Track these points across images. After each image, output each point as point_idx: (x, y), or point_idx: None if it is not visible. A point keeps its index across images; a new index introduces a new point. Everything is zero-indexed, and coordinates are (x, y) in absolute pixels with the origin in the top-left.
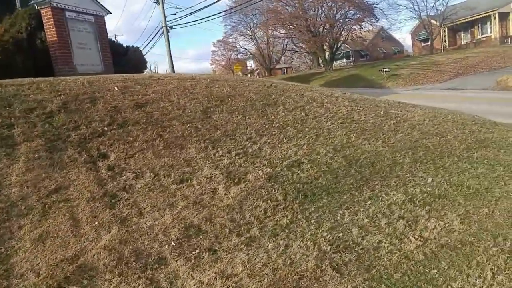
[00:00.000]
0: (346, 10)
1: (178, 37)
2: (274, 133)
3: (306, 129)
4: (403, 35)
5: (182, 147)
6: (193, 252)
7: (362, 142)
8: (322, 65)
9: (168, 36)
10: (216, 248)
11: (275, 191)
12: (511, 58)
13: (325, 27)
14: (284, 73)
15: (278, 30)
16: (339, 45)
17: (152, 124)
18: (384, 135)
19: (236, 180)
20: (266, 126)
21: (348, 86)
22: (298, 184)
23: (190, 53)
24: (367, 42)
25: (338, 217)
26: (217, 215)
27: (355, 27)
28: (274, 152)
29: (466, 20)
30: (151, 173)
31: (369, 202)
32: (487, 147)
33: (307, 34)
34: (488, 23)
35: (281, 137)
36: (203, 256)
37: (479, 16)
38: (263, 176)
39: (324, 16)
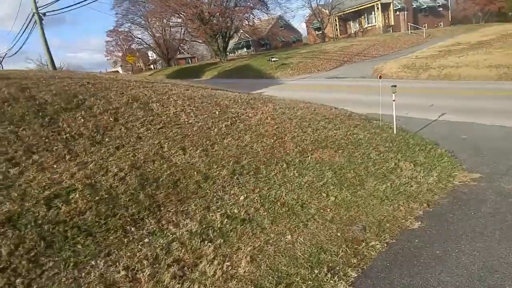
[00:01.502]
0: None
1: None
2: (55, 148)
3: (107, 139)
4: (302, 24)
5: None
6: None
7: (175, 153)
8: (215, 56)
9: (42, 24)
10: None
11: (2, 240)
12: (390, 46)
13: (214, 15)
14: (189, 62)
15: (168, 18)
16: (231, 34)
17: None
18: (208, 142)
19: None
20: (47, 140)
21: (239, 77)
22: (47, 226)
23: (94, 42)
24: (266, 31)
25: (85, 272)
26: None
27: (246, 15)
28: (39, 178)
29: (354, 10)
30: None
31: (146, 240)
32: (325, 147)
33: (197, 22)
34: (373, 13)
35: (63, 153)
36: None
37: (364, 6)
38: None
39: (213, 4)
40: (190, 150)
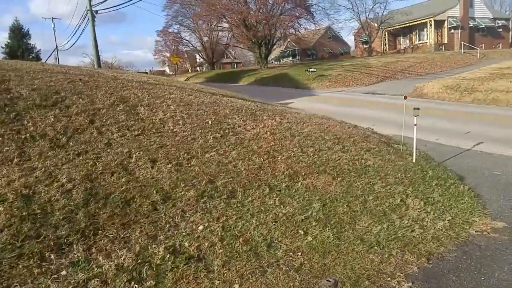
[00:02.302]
0: (282, 5)
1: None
2: (5, 149)
3: (72, 143)
4: (351, 37)
5: None
6: None
7: (143, 165)
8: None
9: (93, 21)
10: None
11: None
12: (438, 65)
13: (258, 22)
14: (235, 67)
15: (215, 23)
16: (274, 42)
17: None
18: (186, 155)
19: None
20: (1, 138)
21: (275, 85)
22: None
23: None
24: (313, 42)
25: None
26: None
27: (290, 24)
28: None
29: (405, 25)
30: None
31: (62, 273)
32: (322, 173)
33: (241, 28)
34: (425, 29)
35: (13, 156)
36: None
37: (416, 22)
38: None
39: (258, 10)
40: (161, 163)
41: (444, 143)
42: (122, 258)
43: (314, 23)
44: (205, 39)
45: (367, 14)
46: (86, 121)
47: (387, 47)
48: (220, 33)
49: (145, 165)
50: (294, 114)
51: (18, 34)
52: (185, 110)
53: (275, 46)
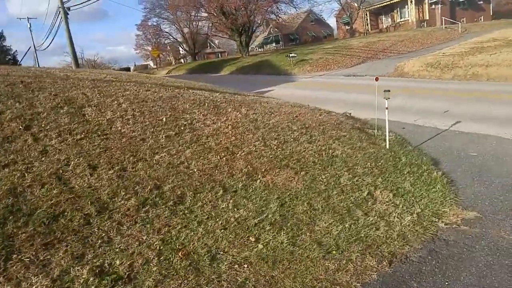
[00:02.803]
0: None
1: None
2: None
3: None
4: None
5: None
6: None
7: (81, 173)
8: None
9: (67, 18)
10: None
11: None
12: (419, 42)
13: (237, 9)
14: (219, 56)
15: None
16: (254, 28)
17: None
18: (133, 158)
19: None
20: None
21: (256, 73)
22: None
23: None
24: (295, 26)
25: None
26: None
27: (269, 9)
28: None
29: (386, 3)
30: None
31: None
32: (284, 167)
33: (220, 16)
34: (406, 7)
35: None
36: None
37: (396, 0)
38: None
39: None
40: (102, 169)
41: (422, 124)
42: (35, 287)
43: (294, 7)
44: (186, 30)
45: None
46: (20, 127)
47: (369, 27)
48: (200, 23)
49: (83, 173)
50: (263, 104)
51: None
52: (138, 107)
53: (257, 33)
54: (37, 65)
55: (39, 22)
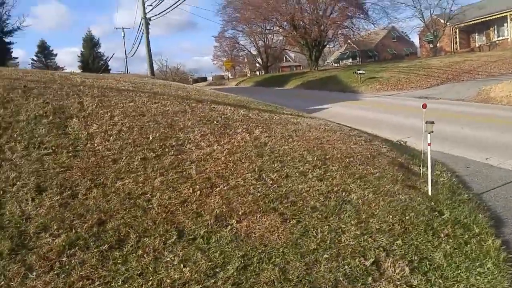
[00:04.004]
0: (332, 5)
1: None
2: None
3: None
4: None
5: None
6: None
7: (21, 197)
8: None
9: (147, 28)
10: None
11: None
12: None
13: (309, 22)
14: (293, 70)
15: (267, 26)
16: (325, 43)
17: None
18: (89, 183)
19: None
20: None
21: (320, 88)
22: None
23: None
24: (375, 42)
25: None
26: None
27: (342, 24)
28: None
29: (480, 20)
30: None
31: None
32: (271, 211)
33: (290, 29)
34: (505, 24)
35: None
36: None
37: (494, 17)
38: None
39: (307, 11)
40: (49, 194)
41: (496, 164)
42: None
43: (372, 23)
44: (260, 43)
45: (432, 10)
46: None
47: (458, 46)
48: (275, 37)
49: (25, 197)
50: (289, 126)
51: (90, 43)
52: (130, 121)
53: (331, 48)
54: (126, 71)
55: (129, 31)
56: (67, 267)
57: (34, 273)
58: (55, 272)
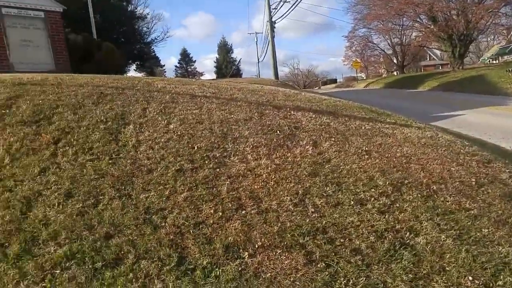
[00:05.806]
0: None
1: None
2: None
3: None
4: None
5: None
6: None
7: (47, 201)
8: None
9: (273, 31)
10: None
11: None
12: None
13: (449, 13)
14: (439, 68)
15: (394, 21)
16: (473, 36)
17: None
18: (115, 192)
19: None
20: None
21: (460, 90)
22: None
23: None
24: None
25: None
26: None
27: (496, 12)
28: None
29: None
30: None
31: None
32: (297, 248)
33: (426, 22)
34: None
35: None
36: None
37: None
38: None
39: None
40: (73, 201)
41: None
42: None
43: None
44: (396, 40)
45: None
46: (51, 140)
47: None
48: (414, 33)
49: (53, 202)
50: (375, 138)
51: (224, 49)
52: (184, 129)
53: (492, 41)
54: (258, 75)
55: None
56: (56, 281)
57: (25, 282)
58: (43, 284)
